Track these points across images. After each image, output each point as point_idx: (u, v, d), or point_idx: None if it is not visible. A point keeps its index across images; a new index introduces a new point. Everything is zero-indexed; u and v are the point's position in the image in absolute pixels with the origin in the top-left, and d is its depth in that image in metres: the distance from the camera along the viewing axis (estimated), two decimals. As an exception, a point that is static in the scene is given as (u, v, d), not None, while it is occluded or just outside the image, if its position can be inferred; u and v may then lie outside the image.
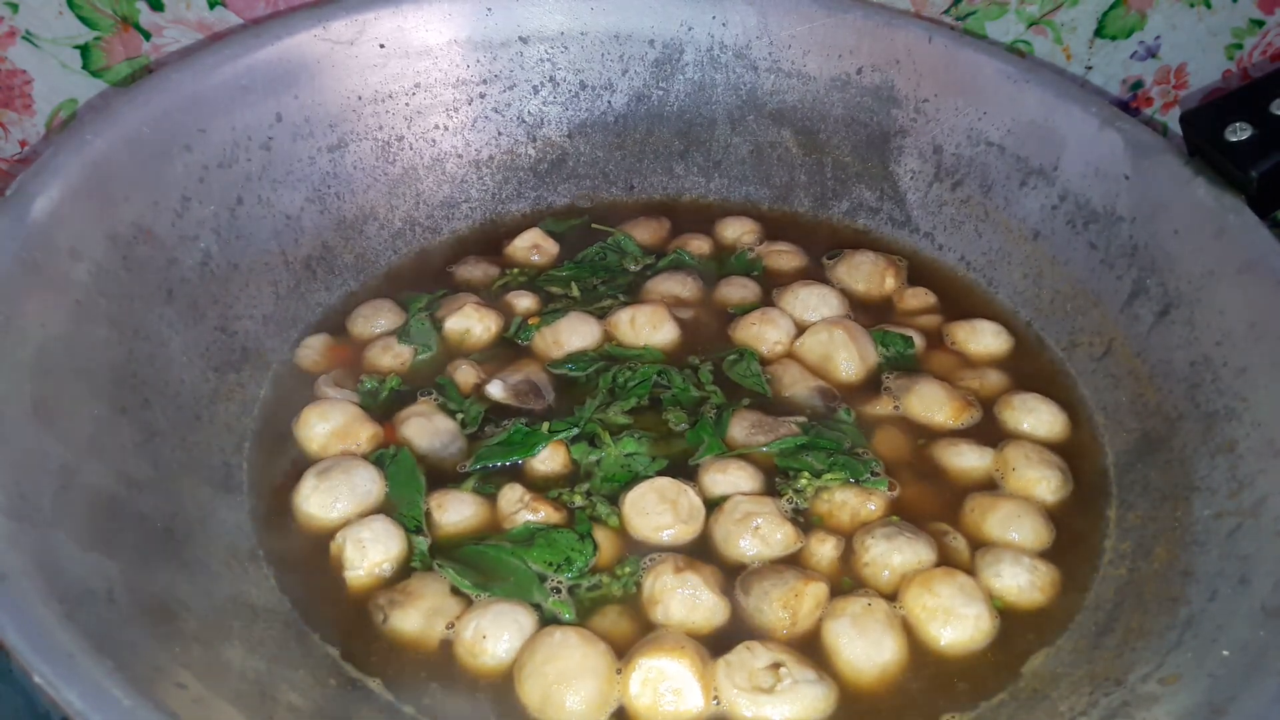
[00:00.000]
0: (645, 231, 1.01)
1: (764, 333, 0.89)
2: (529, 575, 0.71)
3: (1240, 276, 0.77)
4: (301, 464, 0.77)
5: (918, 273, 0.98)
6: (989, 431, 0.84)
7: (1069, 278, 0.90)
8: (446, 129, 0.98)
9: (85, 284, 0.71)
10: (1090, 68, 1.19)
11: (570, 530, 0.74)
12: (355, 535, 0.72)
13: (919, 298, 0.95)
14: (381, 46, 0.93)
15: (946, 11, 1.11)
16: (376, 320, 0.90)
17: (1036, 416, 0.83)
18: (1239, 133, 0.78)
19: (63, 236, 0.71)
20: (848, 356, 0.87)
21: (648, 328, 0.89)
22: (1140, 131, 0.86)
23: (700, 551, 0.74)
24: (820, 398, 0.84)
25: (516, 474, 0.78)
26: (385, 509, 0.75)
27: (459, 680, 0.67)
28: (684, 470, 0.78)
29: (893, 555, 0.72)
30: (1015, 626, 0.71)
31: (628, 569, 0.72)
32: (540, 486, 0.77)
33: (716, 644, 0.68)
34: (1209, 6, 1.16)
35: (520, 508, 0.74)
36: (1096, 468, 0.82)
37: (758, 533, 0.73)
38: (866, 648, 0.68)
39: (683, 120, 1.03)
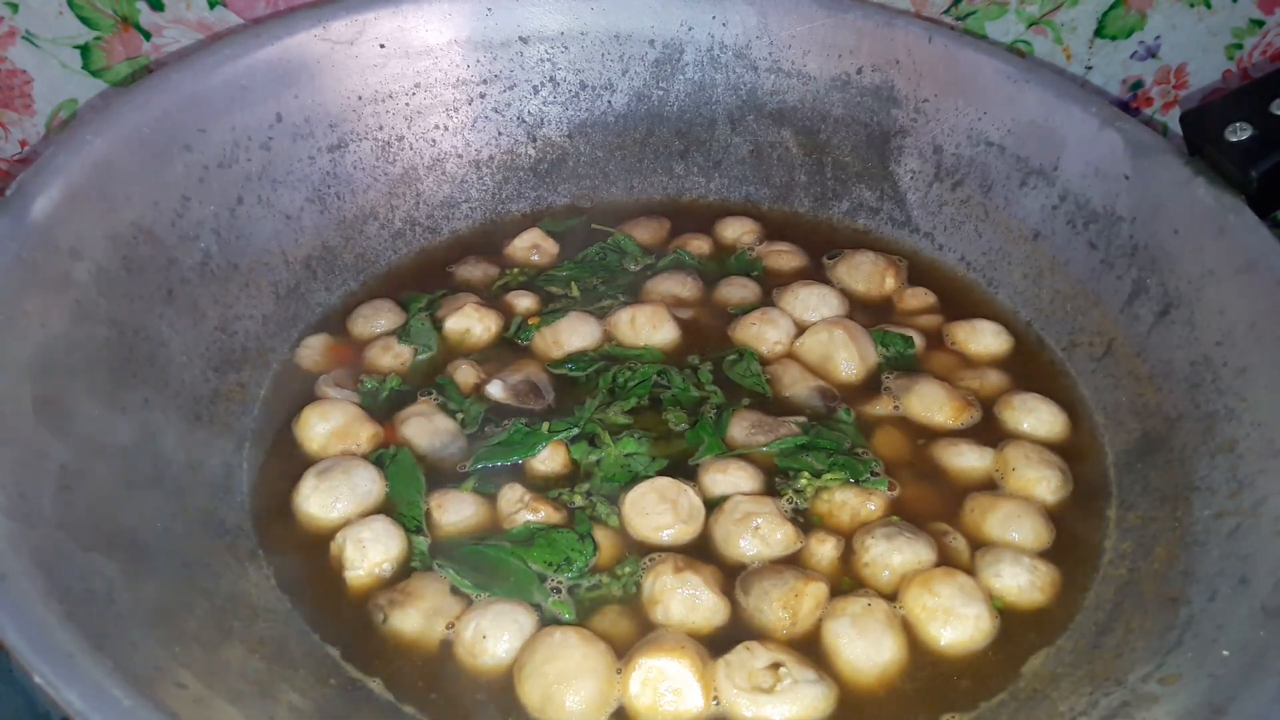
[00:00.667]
0: (645, 231, 1.01)
1: (764, 333, 0.89)
2: (529, 575, 0.71)
3: (1240, 276, 0.77)
4: (301, 464, 0.77)
5: (918, 273, 0.98)
6: (989, 431, 0.84)
7: (1069, 278, 0.90)
8: (446, 129, 0.98)
9: (85, 284, 0.71)
10: (1090, 68, 1.19)
11: (570, 530, 0.74)
12: (355, 535, 0.72)
13: (919, 298, 0.95)
14: (381, 46, 0.93)
15: (946, 11, 1.11)
16: (376, 320, 0.90)
17: (1036, 416, 0.83)
18: (1239, 133, 0.78)
19: (63, 236, 0.71)
20: (848, 356, 0.87)
21: (648, 328, 0.89)
22: (1140, 131, 0.86)
23: (700, 551, 0.74)
24: (820, 398, 0.84)
25: (516, 474, 0.78)
26: (385, 509, 0.75)
27: (459, 680, 0.67)
28: (684, 470, 0.78)
29: (893, 555, 0.72)
30: (1015, 626, 0.71)
31: (628, 569, 0.72)
32: (540, 486, 0.77)
33: (716, 644, 0.68)
34: (1209, 6, 1.16)
35: (520, 508, 0.74)
36: (1096, 468, 0.82)
37: (758, 533, 0.73)
38: (866, 648, 0.68)
39: (683, 120, 1.03)
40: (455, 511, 0.75)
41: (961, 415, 0.84)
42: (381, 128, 0.95)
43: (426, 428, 0.80)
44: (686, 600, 0.69)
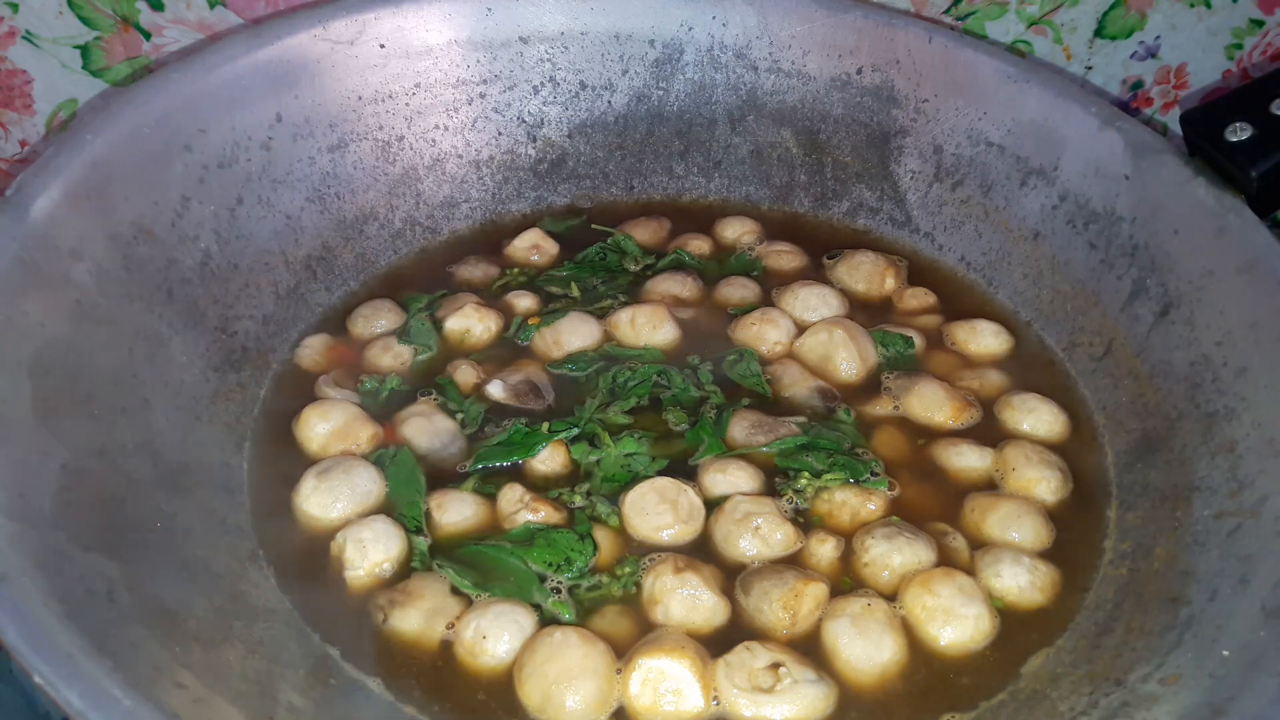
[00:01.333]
0: (645, 231, 1.01)
1: (764, 333, 0.89)
2: (529, 575, 0.71)
3: (1240, 276, 0.77)
4: (301, 464, 0.77)
5: (918, 273, 0.98)
6: (989, 431, 0.83)
7: (1069, 278, 0.90)
8: (446, 129, 0.98)
9: (85, 284, 0.71)
10: (1090, 68, 1.19)
11: (570, 530, 0.74)
12: (355, 535, 0.72)
13: (919, 298, 0.95)
14: (381, 46, 0.93)
15: (946, 11, 1.11)
16: (376, 320, 0.90)
17: (1036, 416, 0.83)
18: (1239, 133, 0.78)
19: (63, 236, 0.71)
20: (848, 356, 0.87)
21: (648, 328, 0.89)
22: (1140, 131, 0.86)
23: (700, 551, 0.74)
24: (820, 398, 0.84)
25: (516, 474, 0.78)
26: (385, 509, 0.75)
27: (459, 680, 0.67)
28: (684, 470, 0.78)
29: (893, 555, 0.72)
30: (1015, 626, 0.71)
31: (628, 569, 0.72)
32: (540, 486, 0.77)
33: (716, 644, 0.68)
34: (1209, 6, 1.16)
35: (520, 508, 0.74)
36: (1096, 468, 0.82)
37: (758, 533, 0.73)
38: (866, 648, 0.68)
39: (683, 120, 1.03)
40: (455, 511, 0.75)
41: (961, 415, 0.84)
42: (381, 128, 0.95)
43: (426, 428, 0.80)
44: (686, 600, 0.69)
